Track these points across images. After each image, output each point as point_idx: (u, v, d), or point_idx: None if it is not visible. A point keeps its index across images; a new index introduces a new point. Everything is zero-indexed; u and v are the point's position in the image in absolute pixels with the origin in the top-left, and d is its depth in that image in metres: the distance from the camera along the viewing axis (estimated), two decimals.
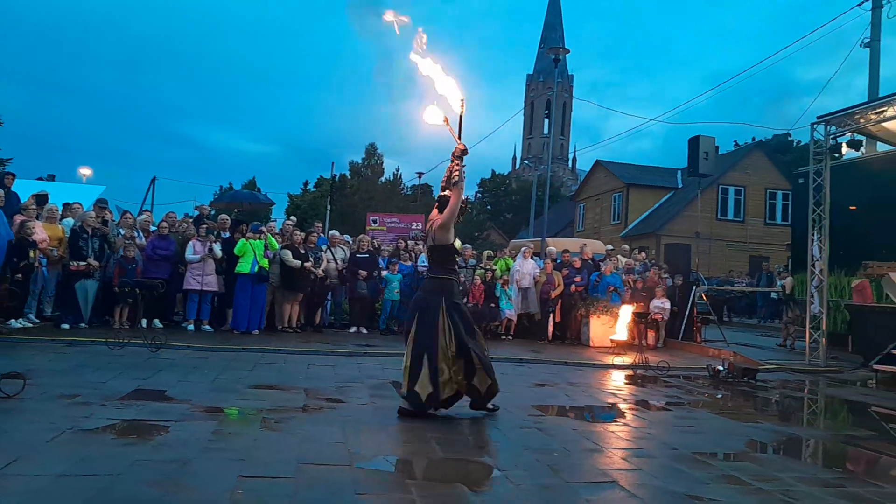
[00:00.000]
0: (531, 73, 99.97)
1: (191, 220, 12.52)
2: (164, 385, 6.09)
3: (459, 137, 5.86)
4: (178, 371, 6.91)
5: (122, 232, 10.61)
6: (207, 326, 10.51)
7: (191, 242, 10.47)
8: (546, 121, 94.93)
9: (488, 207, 61.09)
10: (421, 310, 5.49)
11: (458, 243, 5.97)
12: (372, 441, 4.55)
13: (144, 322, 9.70)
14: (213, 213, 15.92)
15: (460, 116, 6.05)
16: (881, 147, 13.42)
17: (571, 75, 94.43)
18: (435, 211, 5.79)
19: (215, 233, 11.15)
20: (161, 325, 10.26)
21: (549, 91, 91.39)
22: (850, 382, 9.25)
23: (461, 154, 5.66)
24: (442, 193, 5.76)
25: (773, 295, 17.49)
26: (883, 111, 10.02)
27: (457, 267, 5.87)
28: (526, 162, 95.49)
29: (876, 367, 9.00)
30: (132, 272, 9.87)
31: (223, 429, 4.71)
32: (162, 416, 4.88)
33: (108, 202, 11.75)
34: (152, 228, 11.07)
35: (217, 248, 10.50)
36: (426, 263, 11.99)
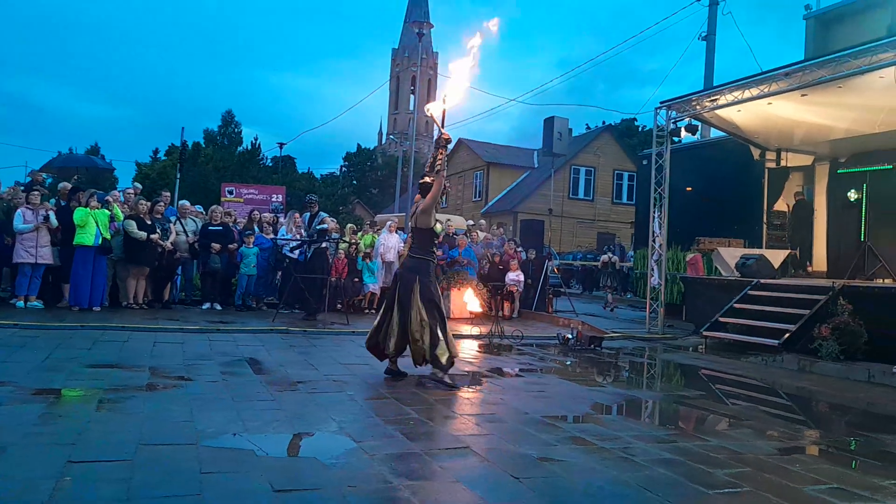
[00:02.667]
0: (396, 47, 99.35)
1: (21, 187, 11.31)
2: None
3: (443, 127, 6.27)
4: (2, 351, 6.27)
5: None
6: (36, 303, 9.56)
7: (19, 210, 9.45)
8: (412, 97, 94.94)
9: (353, 182, 60.40)
10: (400, 284, 6.06)
11: (438, 227, 6.32)
12: (221, 419, 4.34)
13: None
14: (49, 180, 14.49)
15: (443, 110, 6.41)
16: (714, 133, 14.65)
17: (437, 52, 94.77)
18: (419, 195, 6.27)
19: (54, 201, 10.14)
20: None
21: (413, 67, 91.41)
22: (683, 348, 10.08)
23: (445, 143, 6.17)
24: (424, 180, 6.19)
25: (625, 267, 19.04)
26: (716, 99, 10.89)
27: (434, 249, 6.40)
28: (391, 137, 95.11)
29: (705, 333, 9.87)
30: None
31: (52, 412, 4.32)
32: None
33: None
34: None
35: (52, 216, 9.57)
36: (286, 236, 11.73)
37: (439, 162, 6.17)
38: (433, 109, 6.46)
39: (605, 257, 16.52)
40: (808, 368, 8.10)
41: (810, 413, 6.35)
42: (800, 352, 8.49)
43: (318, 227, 10.83)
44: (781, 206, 13.01)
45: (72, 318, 8.83)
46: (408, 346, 6.03)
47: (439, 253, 12.76)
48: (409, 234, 6.47)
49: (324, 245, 10.83)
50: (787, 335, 8.57)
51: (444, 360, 5.87)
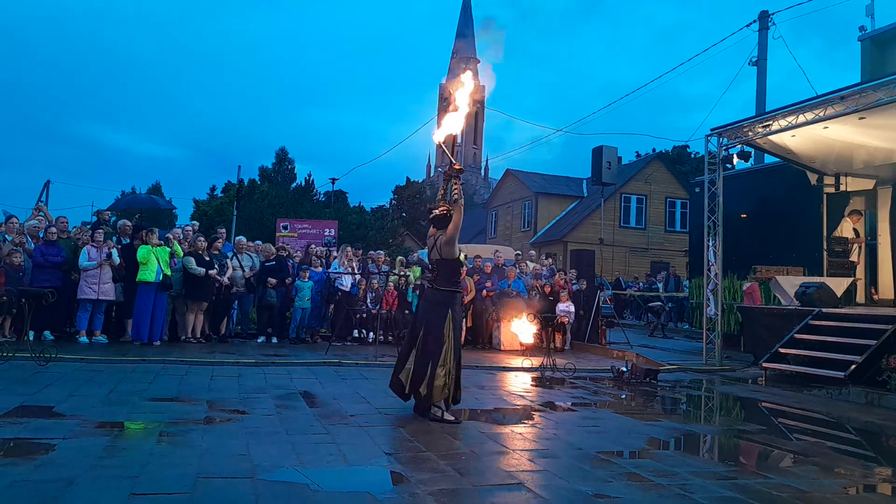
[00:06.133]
0: (443, 82, 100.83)
1: (88, 226, 11.85)
2: (52, 400, 5.71)
3: (454, 156, 6.24)
4: (69, 385, 6.50)
5: (9, 238, 9.90)
6: (101, 337, 9.93)
7: (85, 248, 9.89)
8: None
9: (403, 214, 61.07)
10: (427, 320, 5.91)
11: (462, 257, 6.23)
12: (276, 452, 4.41)
13: (32, 334, 9.07)
14: (112, 218, 15.12)
15: (454, 140, 6.47)
16: (768, 159, 14.34)
17: (483, 86, 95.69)
18: (432, 228, 6.16)
19: (115, 238, 10.60)
20: (52, 338, 9.65)
21: None
22: (742, 380, 9.77)
23: (458, 173, 6.11)
24: (438, 212, 6.06)
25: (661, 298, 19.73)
26: (769, 124, 10.68)
27: (460, 280, 6.25)
28: (440, 170, 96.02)
29: (765, 365, 9.55)
30: (18, 280, 9.22)
31: (116, 445, 4.46)
32: (47, 434, 4.57)
33: None
34: (41, 234, 10.37)
35: (115, 254, 9.97)
36: (339, 269, 11.94)
37: (456, 192, 6.08)
38: (441, 139, 6.51)
39: (658, 305, 18.14)
40: (876, 402, 7.74)
41: (880, 449, 6.05)
42: (867, 384, 8.12)
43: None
44: (848, 231, 12.51)
45: (134, 352, 9.13)
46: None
47: (489, 284, 12.80)
48: (433, 267, 6.24)
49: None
50: (854, 366, 8.22)
51: (436, 394, 5.70)
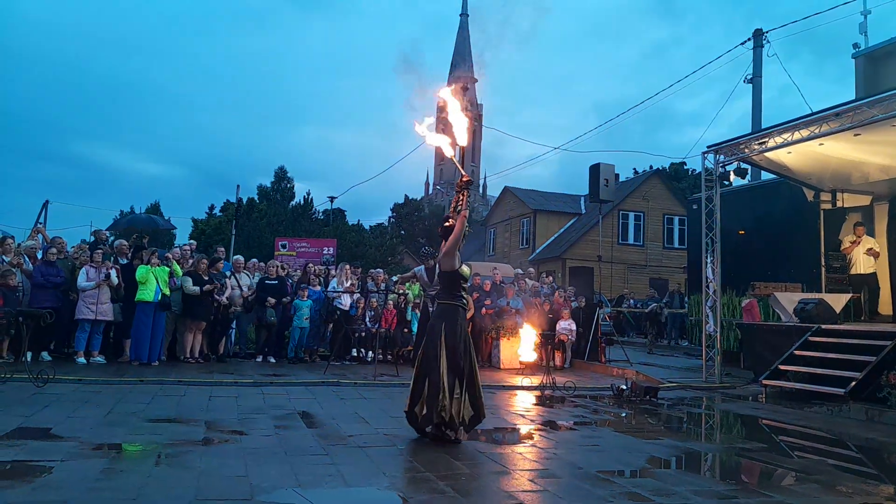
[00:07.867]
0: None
1: (86, 245, 11.84)
2: (49, 422, 5.68)
3: (463, 168, 6.24)
4: (67, 406, 6.47)
5: (6, 259, 9.89)
6: (99, 358, 9.90)
7: (84, 268, 9.88)
8: (456, 147, 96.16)
9: (402, 232, 61.15)
10: (427, 335, 5.87)
11: (465, 269, 6.06)
12: (275, 473, 4.39)
13: (30, 355, 9.03)
14: (111, 238, 15.12)
15: (463, 151, 6.52)
16: (765, 176, 14.41)
17: (481, 104, 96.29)
18: (443, 242, 6.07)
19: (112, 258, 10.59)
20: (49, 359, 9.61)
21: None
22: (742, 397, 9.73)
23: (466, 185, 6.06)
24: (446, 224, 6.03)
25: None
26: (765, 141, 10.74)
27: (463, 293, 6.05)
28: (438, 187, 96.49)
29: (765, 382, 9.52)
30: (15, 301, 9.20)
31: (114, 467, 4.43)
32: (45, 456, 4.54)
33: None
34: (39, 255, 10.37)
35: (113, 274, 9.97)
36: (337, 288, 11.93)
37: (462, 203, 6.01)
38: (441, 145, 6.53)
39: (654, 306, 18.06)
40: (876, 418, 7.72)
41: (882, 466, 6.02)
42: (867, 400, 8.10)
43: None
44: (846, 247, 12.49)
45: (132, 372, 9.09)
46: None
47: (487, 302, 12.78)
48: (438, 281, 6.16)
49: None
50: (854, 383, 8.20)
51: (458, 419, 5.54)
